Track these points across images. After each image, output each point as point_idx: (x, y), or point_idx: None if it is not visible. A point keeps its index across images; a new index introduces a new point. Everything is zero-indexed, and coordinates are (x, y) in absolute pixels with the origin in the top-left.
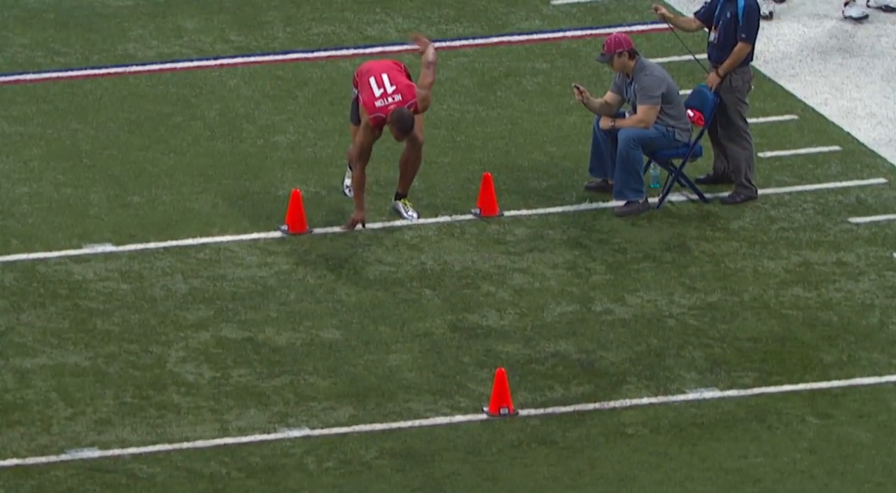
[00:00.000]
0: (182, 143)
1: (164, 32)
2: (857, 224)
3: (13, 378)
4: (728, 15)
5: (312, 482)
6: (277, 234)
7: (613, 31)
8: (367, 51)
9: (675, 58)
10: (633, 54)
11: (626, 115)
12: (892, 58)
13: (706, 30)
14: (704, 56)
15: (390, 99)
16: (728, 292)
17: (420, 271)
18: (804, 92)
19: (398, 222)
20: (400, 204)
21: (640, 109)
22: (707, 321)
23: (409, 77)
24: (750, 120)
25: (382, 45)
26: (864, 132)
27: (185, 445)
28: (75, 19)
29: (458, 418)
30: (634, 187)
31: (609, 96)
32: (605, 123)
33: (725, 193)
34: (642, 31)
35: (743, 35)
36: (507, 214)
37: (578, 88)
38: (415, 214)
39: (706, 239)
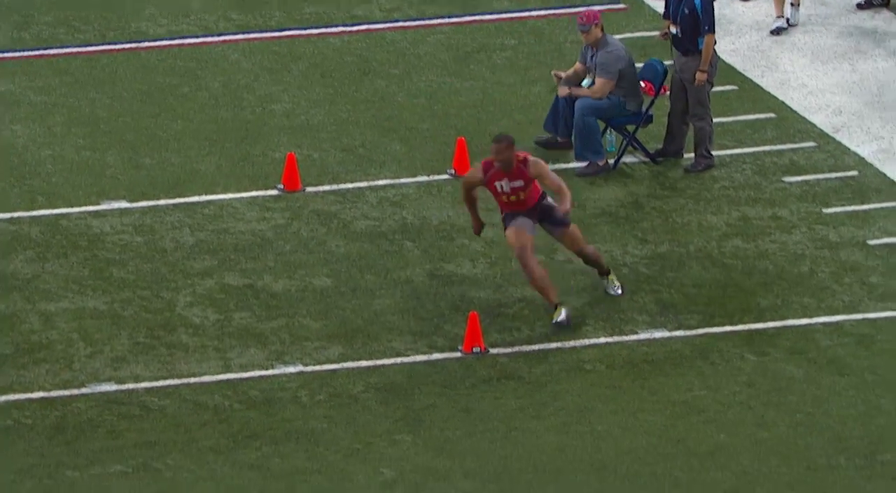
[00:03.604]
0: (189, 111)
1: (173, 11)
2: (791, 183)
3: (39, 320)
4: (686, 10)
5: (305, 412)
6: (274, 192)
7: (575, 10)
8: (354, 28)
9: (629, 34)
10: (602, 28)
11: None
12: (820, 34)
13: (669, 27)
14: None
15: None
16: (675, 244)
17: (401, 225)
18: (744, 65)
19: (381, 181)
20: (605, 281)
21: (597, 81)
22: (657, 270)
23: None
24: None
25: (368, 23)
26: (797, 101)
27: (192, 380)
28: (94, 0)
29: (436, 356)
30: (593, 150)
31: (577, 66)
32: (563, 91)
33: (686, 164)
34: (600, 12)
35: (706, 27)
36: None
37: (558, 75)
38: (619, 289)
39: (656, 197)
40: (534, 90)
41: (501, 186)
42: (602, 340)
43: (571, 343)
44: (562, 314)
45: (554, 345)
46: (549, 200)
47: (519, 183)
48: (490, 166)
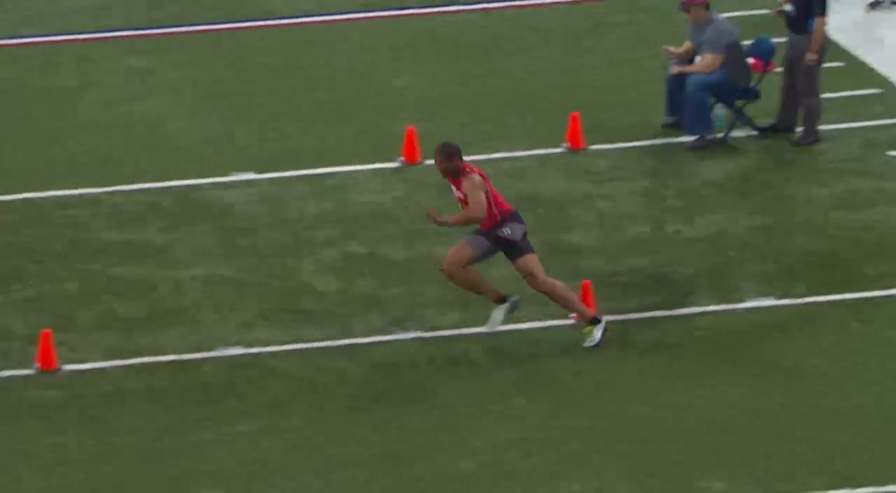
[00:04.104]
0: (313, 86)
1: None
2: None
3: (170, 287)
4: None
5: (424, 376)
6: (395, 164)
7: None
8: (474, 7)
9: (743, 12)
10: (707, 7)
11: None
12: None
13: (784, 5)
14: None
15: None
16: (782, 215)
17: (518, 197)
18: (849, 42)
19: (498, 154)
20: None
21: (705, 56)
22: (764, 240)
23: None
24: None
25: (487, 2)
26: None
27: (316, 344)
28: None
29: (550, 322)
30: (704, 124)
31: (686, 45)
32: (675, 69)
33: (794, 138)
34: None
35: (818, 9)
36: (592, 147)
37: (668, 51)
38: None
39: (763, 169)
40: (645, 66)
41: (454, 192)
42: (711, 308)
43: (681, 311)
44: (500, 313)
45: (664, 313)
46: (506, 230)
47: (461, 195)
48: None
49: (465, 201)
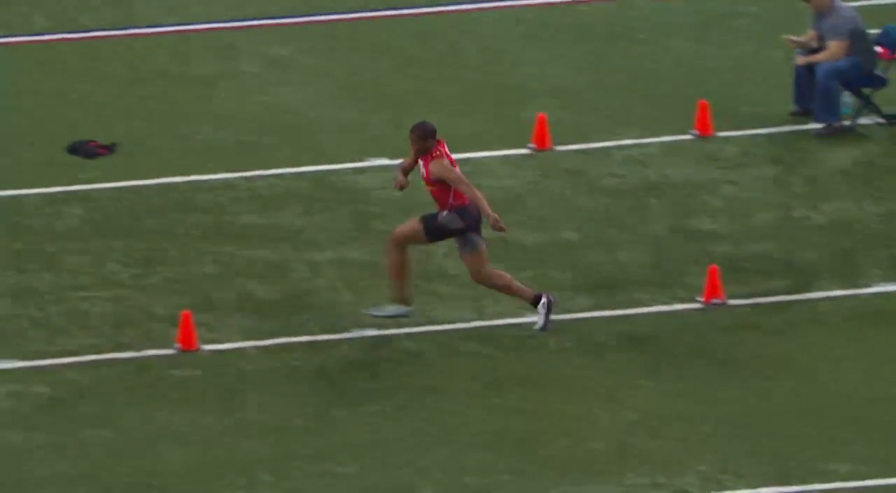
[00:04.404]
0: (446, 74)
1: None
2: None
3: (307, 269)
4: None
5: (554, 358)
6: (526, 151)
7: None
8: None
9: (867, 2)
10: None
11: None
12: None
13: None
14: None
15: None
16: None
17: (645, 183)
18: None
19: (626, 141)
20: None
21: (830, 44)
22: (891, 226)
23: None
24: None
25: None
26: None
27: (448, 326)
28: None
29: (677, 306)
30: (832, 112)
31: (810, 33)
32: (801, 59)
33: None
34: None
35: None
36: (720, 134)
37: (790, 40)
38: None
39: (891, 156)
40: (774, 56)
41: (420, 170)
42: (837, 292)
43: (808, 295)
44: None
45: (791, 297)
46: (443, 215)
47: (425, 174)
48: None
49: (430, 181)
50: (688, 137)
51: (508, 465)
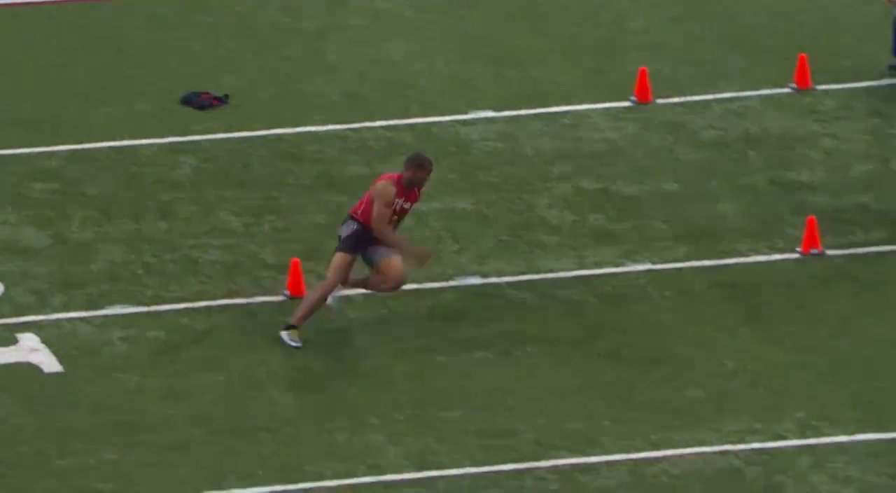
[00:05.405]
0: (549, 28)
1: None
2: None
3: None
4: None
5: (653, 307)
6: (627, 103)
7: None
8: None
9: None
10: None
11: None
12: None
13: None
14: None
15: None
16: None
17: (745, 135)
18: None
19: (726, 94)
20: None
21: None
22: None
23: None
24: None
25: None
26: None
27: (550, 275)
28: None
29: (776, 256)
30: None
31: None
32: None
33: None
34: None
35: None
36: (819, 88)
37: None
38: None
39: None
40: (871, 10)
41: (398, 205)
42: None
43: None
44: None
45: (888, 248)
46: (344, 225)
47: (408, 205)
48: (399, 183)
49: (405, 213)
50: (787, 89)
51: (608, 411)
